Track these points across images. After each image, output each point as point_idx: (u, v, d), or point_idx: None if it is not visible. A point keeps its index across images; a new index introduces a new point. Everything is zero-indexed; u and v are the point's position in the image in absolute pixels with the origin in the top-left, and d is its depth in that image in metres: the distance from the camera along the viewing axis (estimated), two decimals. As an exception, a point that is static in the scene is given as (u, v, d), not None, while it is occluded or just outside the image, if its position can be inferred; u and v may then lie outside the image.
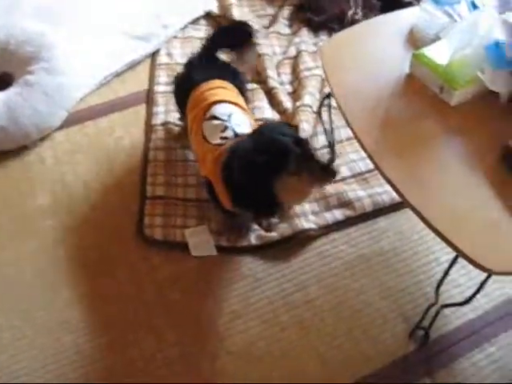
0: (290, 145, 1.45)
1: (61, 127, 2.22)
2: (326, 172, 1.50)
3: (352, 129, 1.46)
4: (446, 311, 1.69)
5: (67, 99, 2.23)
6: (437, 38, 1.57)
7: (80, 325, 1.68)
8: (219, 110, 1.72)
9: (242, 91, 1.92)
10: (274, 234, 1.85)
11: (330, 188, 1.95)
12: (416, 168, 1.36)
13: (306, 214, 1.88)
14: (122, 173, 2.06)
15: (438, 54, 1.49)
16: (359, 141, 1.42)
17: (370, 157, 1.37)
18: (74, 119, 2.25)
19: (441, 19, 1.57)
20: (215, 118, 1.71)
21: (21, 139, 2.13)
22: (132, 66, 2.46)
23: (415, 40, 1.63)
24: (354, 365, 1.60)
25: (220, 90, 1.80)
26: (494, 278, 1.33)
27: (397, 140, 1.42)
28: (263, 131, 1.56)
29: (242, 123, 1.70)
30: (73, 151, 2.15)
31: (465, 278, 1.75)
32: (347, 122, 1.48)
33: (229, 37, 2.03)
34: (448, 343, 1.65)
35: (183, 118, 2.00)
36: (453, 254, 1.72)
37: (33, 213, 1.95)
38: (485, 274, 1.29)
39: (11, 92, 2.18)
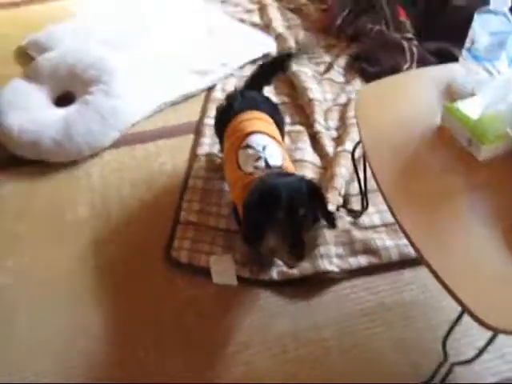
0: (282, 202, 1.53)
1: (111, 147, 2.35)
2: (296, 250, 1.55)
3: (374, 175, 1.47)
4: (461, 374, 1.65)
5: (120, 122, 2.37)
6: (473, 94, 1.58)
7: (96, 333, 1.74)
8: (255, 140, 1.79)
9: (280, 125, 1.99)
10: (294, 272, 1.86)
11: (357, 234, 1.95)
12: (432, 219, 1.34)
13: (330, 256, 1.89)
14: (161, 196, 2.14)
15: (471, 108, 1.49)
16: (380, 189, 1.43)
17: (385, 199, 1.38)
18: (125, 141, 2.38)
19: (479, 75, 1.58)
20: (250, 147, 1.78)
21: (72, 154, 2.27)
22: (187, 97, 2.58)
23: (452, 94, 1.63)
24: (359, 414, 1.58)
25: (258, 121, 1.87)
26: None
27: (416, 187, 1.41)
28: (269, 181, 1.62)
29: (275, 155, 1.76)
30: (118, 170, 2.26)
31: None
32: (370, 167, 1.49)
33: (271, 72, 2.15)
34: (460, 404, 1.60)
35: (222, 148, 2.07)
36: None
37: (72, 223, 2.07)
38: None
39: (71, 109, 2.35)
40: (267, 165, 1.72)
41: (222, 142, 2.03)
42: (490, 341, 1.32)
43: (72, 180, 2.23)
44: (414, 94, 1.68)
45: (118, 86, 2.42)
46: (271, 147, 1.79)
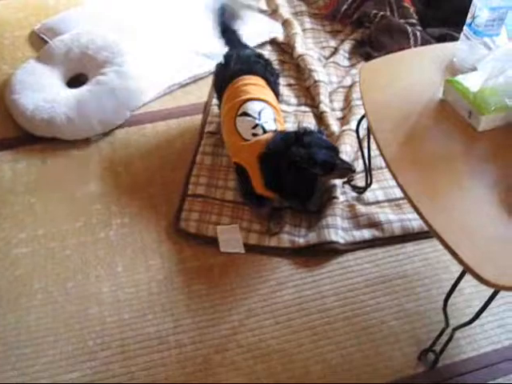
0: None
1: (122, 126, 2.42)
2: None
3: (378, 145, 1.52)
4: (462, 341, 1.70)
5: (132, 101, 2.44)
6: (474, 69, 1.63)
7: (107, 300, 1.81)
8: (251, 107, 1.99)
9: (272, 84, 2.17)
10: (300, 240, 1.92)
11: (362, 208, 2.01)
12: (433, 183, 1.40)
13: (337, 228, 1.94)
14: (170, 172, 2.21)
15: (471, 81, 1.54)
16: (382, 153, 1.48)
17: (389, 166, 1.43)
18: (135, 120, 2.45)
19: (480, 50, 1.63)
20: (247, 114, 1.98)
21: (85, 132, 2.33)
22: (196, 79, 2.64)
23: (454, 70, 1.68)
24: (360, 375, 1.63)
25: (252, 87, 2.06)
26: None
27: (419, 156, 1.47)
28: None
29: (269, 120, 1.98)
30: (129, 148, 2.32)
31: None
32: (375, 138, 1.54)
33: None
34: (459, 371, 1.64)
35: (220, 103, 2.22)
36: (479, 287, 1.76)
37: (83, 197, 2.13)
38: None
39: (83, 89, 2.41)
40: (264, 131, 1.94)
41: (220, 99, 2.21)
42: (490, 299, 1.37)
43: (84, 157, 2.29)
44: (417, 69, 1.73)
45: (130, 67, 2.48)
46: (266, 112, 2.00)
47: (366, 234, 1.95)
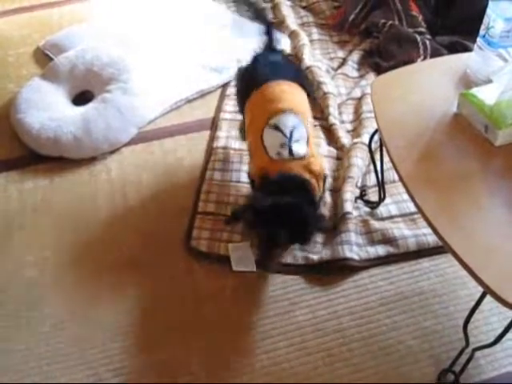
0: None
1: (129, 143, 2.39)
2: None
3: (393, 163, 1.48)
4: (482, 360, 1.65)
5: (138, 118, 2.41)
6: (489, 81, 1.59)
7: (115, 324, 1.77)
8: (284, 121, 1.80)
9: (306, 88, 2.00)
10: (314, 257, 1.89)
11: (375, 224, 1.97)
12: (451, 203, 1.36)
13: (351, 244, 1.90)
14: (179, 189, 2.17)
15: (487, 94, 1.50)
16: (397, 171, 1.44)
17: (405, 185, 1.39)
18: (142, 138, 2.42)
19: (494, 62, 1.59)
20: (278, 129, 1.79)
21: (92, 150, 2.30)
22: (203, 94, 2.60)
23: (468, 82, 1.64)
24: (378, 398, 1.59)
25: (285, 94, 1.86)
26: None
27: (435, 174, 1.43)
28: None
29: (301, 140, 1.78)
30: (137, 166, 2.29)
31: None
32: (389, 155, 1.51)
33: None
34: (479, 392, 1.60)
35: (242, 109, 2.07)
36: (497, 304, 1.72)
37: (92, 217, 2.10)
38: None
39: (89, 107, 2.39)
40: (290, 153, 1.75)
41: (243, 104, 2.02)
42: (510, 324, 1.33)
43: (92, 176, 2.26)
44: (430, 82, 1.69)
45: (136, 84, 2.46)
46: (299, 130, 1.79)
47: (381, 250, 1.91)
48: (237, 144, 2.30)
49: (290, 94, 1.89)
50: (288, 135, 1.77)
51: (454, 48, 2.56)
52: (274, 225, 1.66)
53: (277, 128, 1.79)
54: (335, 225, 1.98)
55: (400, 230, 1.95)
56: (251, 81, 1.98)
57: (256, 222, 1.72)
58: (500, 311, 1.72)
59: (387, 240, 1.93)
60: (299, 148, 1.76)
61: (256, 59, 2.06)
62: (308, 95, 1.99)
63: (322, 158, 1.90)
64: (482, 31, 1.60)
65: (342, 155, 2.22)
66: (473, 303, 1.76)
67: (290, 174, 1.73)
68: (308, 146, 1.80)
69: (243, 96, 2.01)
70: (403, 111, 1.62)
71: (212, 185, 2.14)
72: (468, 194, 1.38)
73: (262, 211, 1.66)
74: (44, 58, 2.85)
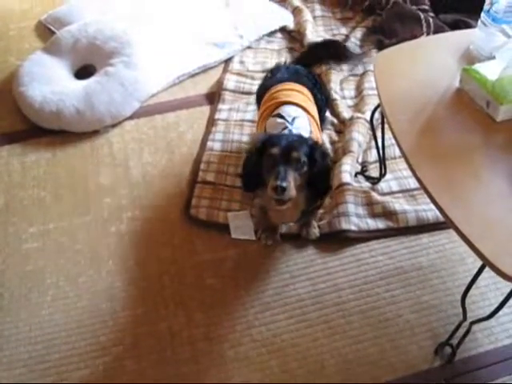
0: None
1: (131, 117, 2.39)
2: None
3: (394, 135, 1.49)
4: (479, 334, 1.67)
5: (141, 92, 2.41)
6: (492, 57, 1.59)
7: (119, 294, 1.79)
8: (287, 110, 1.81)
9: (318, 101, 2.00)
10: (313, 230, 1.90)
11: (377, 196, 1.99)
12: (451, 175, 1.37)
13: (349, 215, 1.92)
14: (180, 162, 2.19)
15: (489, 70, 1.50)
16: (398, 144, 1.45)
17: (406, 158, 1.40)
18: (145, 112, 2.42)
19: (498, 37, 1.59)
20: (280, 116, 1.79)
21: (94, 123, 2.31)
22: (205, 69, 2.61)
23: (471, 58, 1.64)
24: (375, 369, 1.61)
25: (295, 92, 1.90)
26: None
27: (436, 148, 1.44)
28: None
29: (302, 128, 1.76)
30: (139, 140, 2.30)
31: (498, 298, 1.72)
32: (391, 129, 1.51)
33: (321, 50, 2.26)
34: (476, 365, 1.62)
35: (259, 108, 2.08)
36: (495, 279, 1.74)
37: (93, 190, 2.12)
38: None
39: (92, 80, 2.39)
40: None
41: (259, 103, 2.06)
42: (510, 295, 1.34)
43: (94, 149, 2.27)
44: (433, 58, 1.69)
45: (139, 58, 2.45)
46: (301, 120, 1.79)
47: (380, 223, 1.93)
48: (238, 116, 2.31)
49: (301, 93, 1.92)
50: (290, 121, 1.76)
51: (457, 26, 2.55)
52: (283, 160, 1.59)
53: (280, 116, 1.80)
54: (332, 197, 1.99)
55: (400, 204, 1.96)
56: (269, 82, 2.04)
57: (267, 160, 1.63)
58: (497, 287, 1.75)
59: (387, 213, 1.94)
60: (301, 132, 1.73)
61: (278, 66, 2.13)
62: (318, 105, 1.99)
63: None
64: (486, 6, 1.60)
65: (342, 128, 2.23)
66: (471, 278, 1.81)
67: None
68: (311, 134, 1.77)
69: (260, 95, 2.05)
70: (405, 86, 1.62)
71: (212, 155, 2.16)
72: (469, 168, 1.38)
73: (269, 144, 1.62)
74: (46, 32, 2.85)
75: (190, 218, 1.97)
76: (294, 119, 1.77)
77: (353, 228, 1.89)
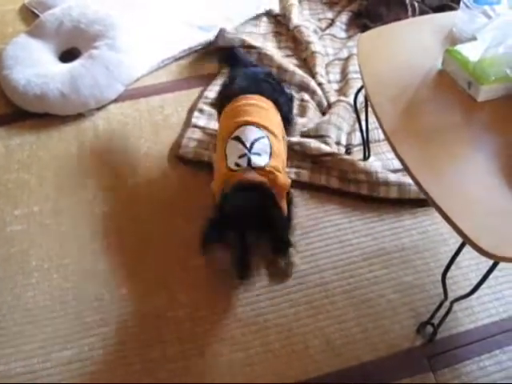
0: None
1: (116, 100, 2.39)
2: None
3: (376, 115, 1.50)
4: (460, 314, 1.70)
5: (125, 75, 2.40)
6: (474, 38, 1.60)
7: (104, 275, 1.80)
8: (246, 133, 1.75)
9: (282, 107, 1.95)
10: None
11: (361, 163, 2.02)
12: (432, 153, 1.38)
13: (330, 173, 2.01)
14: (166, 144, 2.20)
15: (471, 51, 1.52)
16: (381, 125, 1.46)
17: (388, 138, 1.41)
18: (129, 95, 2.42)
19: (479, 19, 1.60)
20: (239, 140, 1.74)
21: (79, 107, 2.31)
22: (190, 52, 2.60)
23: (453, 39, 1.66)
24: (358, 349, 1.62)
25: (254, 108, 1.83)
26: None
27: (417, 127, 1.45)
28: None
29: (262, 152, 1.72)
30: (124, 123, 2.30)
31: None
32: (373, 108, 1.53)
33: None
34: (456, 344, 1.64)
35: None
36: (477, 260, 1.76)
37: (77, 172, 2.12)
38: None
39: (76, 63, 2.38)
40: (249, 164, 1.68)
41: (219, 116, 1.99)
42: (490, 271, 1.35)
43: (79, 132, 2.27)
44: (416, 39, 1.70)
45: (123, 41, 2.45)
46: (261, 143, 1.74)
47: (363, 189, 2.00)
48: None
49: (260, 108, 1.85)
50: (248, 147, 1.72)
51: (443, 11, 2.55)
52: (239, 226, 1.59)
53: (238, 139, 1.75)
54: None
55: (385, 174, 1.98)
56: (227, 95, 1.95)
57: (224, 230, 1.62)
58: (478, 267, 1.77)
59: (371, 181, 1.98)
60: (260, 160, 1.70)
61: (234, 74, 2.04)
62: (282, 116, 1.94)
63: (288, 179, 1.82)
64: (468, -13, 1.61)
65: (326, 109, 2.26)
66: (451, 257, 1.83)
67: (248, 179, 1.66)
68: (271, 159, 1.73)
69: (220, 105, 1.99)
70: (388, 67, 1.63)
71: (207, 103, 2.27)
72: (450, 147, 1.40)
73: (224, 217, 1.61)
74: (30, 16, 2.83)
75: (177, 157, 2.09)
76: (253, 143, 1.72)
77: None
